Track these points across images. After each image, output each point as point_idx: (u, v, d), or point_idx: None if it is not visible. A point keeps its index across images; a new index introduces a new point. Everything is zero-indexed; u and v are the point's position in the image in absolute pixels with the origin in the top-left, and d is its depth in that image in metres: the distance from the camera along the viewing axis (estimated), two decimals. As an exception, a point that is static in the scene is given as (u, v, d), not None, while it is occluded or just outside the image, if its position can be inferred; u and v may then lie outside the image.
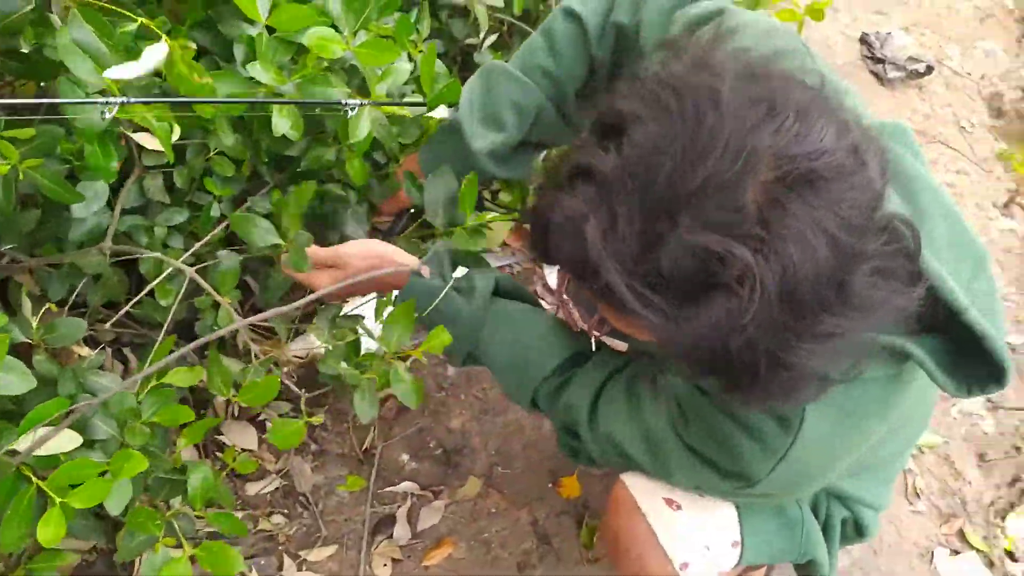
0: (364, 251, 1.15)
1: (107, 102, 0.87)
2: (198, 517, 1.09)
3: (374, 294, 1.26)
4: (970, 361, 0.81)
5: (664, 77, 0.71)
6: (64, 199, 0.97)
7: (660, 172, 0.65)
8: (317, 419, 1.17)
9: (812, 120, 0.67)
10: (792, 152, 0.65)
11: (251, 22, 1.08)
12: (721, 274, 0.65)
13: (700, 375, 0.81)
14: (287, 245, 1.16)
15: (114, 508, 0.93)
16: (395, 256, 1.14)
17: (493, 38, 1.62)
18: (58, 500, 0.84)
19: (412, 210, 1.32)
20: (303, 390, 1.12)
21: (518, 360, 1.14)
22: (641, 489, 1.10)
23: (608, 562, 1.46)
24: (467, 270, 1.20)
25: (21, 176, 0.93)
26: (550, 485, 1.54)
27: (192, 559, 1.00)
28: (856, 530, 1.20)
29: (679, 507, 1.08)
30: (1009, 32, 3.78)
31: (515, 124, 1.21)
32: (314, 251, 1.15)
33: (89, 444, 1.00)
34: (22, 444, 0.87)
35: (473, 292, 1.13)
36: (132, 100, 0.88)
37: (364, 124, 1.11)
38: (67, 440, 0.91)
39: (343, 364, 1.12)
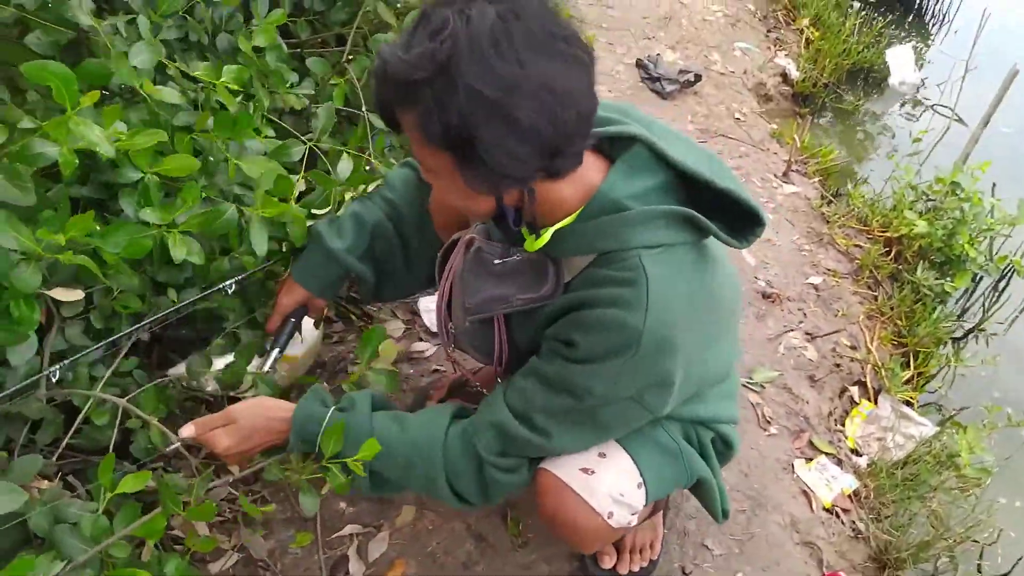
0: (250, 405, 1.32)
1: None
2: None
3: (275, 351, 1.50)
4: (733, 219, 1.17)
5: None
6: (13, 343, 1.14)
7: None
8: (269, 507, 1.48)
9: None
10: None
11: (136, 171, 1.28)
12: (435, 28, 0.97)
13: (443, 143, 1.03)
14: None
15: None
16: (277, 405, 1.32)
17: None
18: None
19: (292, 320, 1.54)
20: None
21: (417, 439, 1.30)
22: (560, 467, 1.33)
23: (535, 544, 1.71)
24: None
25: None
26: (472, 495, 1.78)
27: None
28: (725, 444, 1.48)
29: (592, 472, 1.32)
30: (757, 31, 4.37)
31: (354, 231, 1.51)
32: (208, 419, 1.30)
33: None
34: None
35: (355, 405, 1.32)
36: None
37: (261, 237, 1.34)
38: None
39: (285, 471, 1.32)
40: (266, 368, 1.47)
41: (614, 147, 1.20)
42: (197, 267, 1.43)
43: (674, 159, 1.16)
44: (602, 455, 1.34)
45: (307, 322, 1.58)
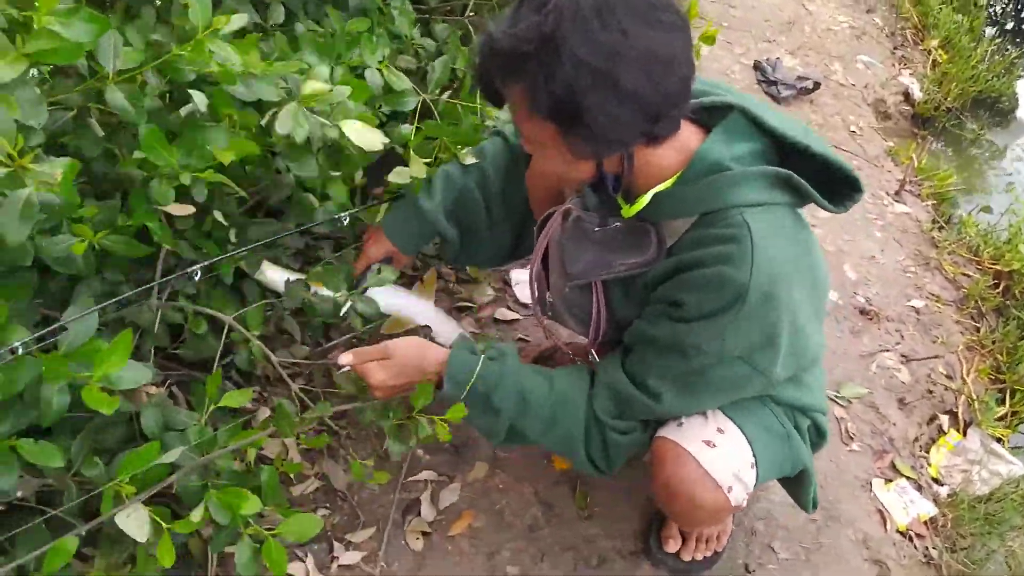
0: (407, 343, 1.36)
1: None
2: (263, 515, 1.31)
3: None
4: (829, 188, 1.20)
5: None
6: (134, 254, 1.22)
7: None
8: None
9: None
10: None
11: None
12: (533, 1, 1.01)
13: (550, 114, 1.07)
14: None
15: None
16: (433, 348, 1.36)
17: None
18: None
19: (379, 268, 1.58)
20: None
21: (564, 396, 1.34)
22: (682, 436, 1.34)
23: (600, 518, 1.73)
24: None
25: (96, 247, 1.17)
26: (544, 462, 1.81)
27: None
28: (818, 434, 1.48)
29: (715, 445, 1.33)
30: (883, 46, 4.23)
31: (443, 192, 1.55)
32: (365, 350, 1.34)
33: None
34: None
35: (504, 355, 1.36)
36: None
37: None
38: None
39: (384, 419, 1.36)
40: (342, 313, 1.49)
41: (711, 116, 1.22)
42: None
43: (771, 125, 1.19)
44: (720, 431, 1.35)
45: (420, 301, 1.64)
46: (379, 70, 1.56)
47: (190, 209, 1.29)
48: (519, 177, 1.57)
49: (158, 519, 1.09)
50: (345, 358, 1.33)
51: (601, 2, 1.00)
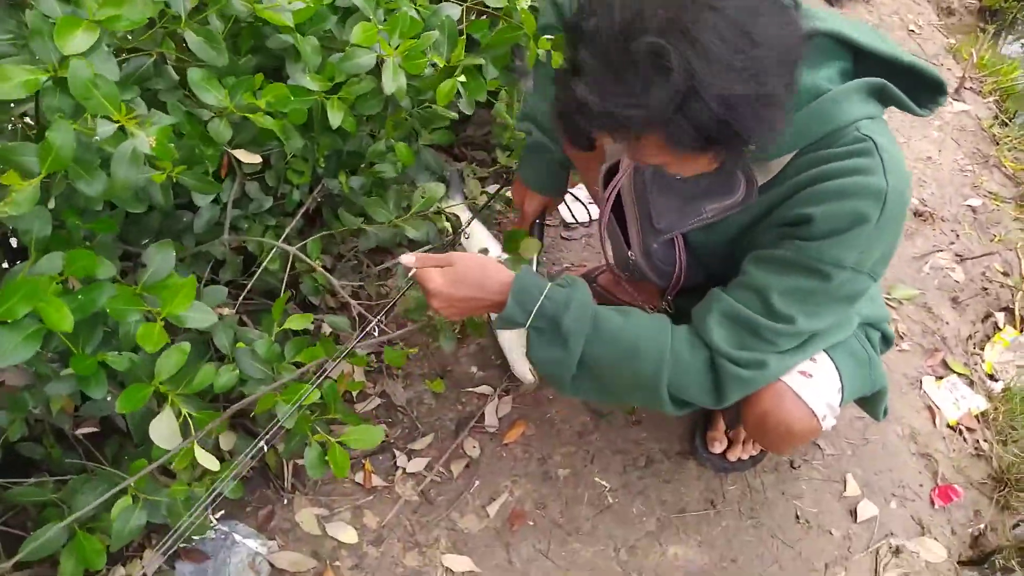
0: (472, 256, 1.29)
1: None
2: (331, 421, 1.45)
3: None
4: (914, 90, 1.17)
5: None
6: (208, 190, 1.33)
7: (605, 32, 0.95)
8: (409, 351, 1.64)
9: None
10: None
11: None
12: (662, 62, 0.92)
13: (701, 147, 1.01)
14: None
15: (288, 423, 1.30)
16: (498, 268, 1.27)
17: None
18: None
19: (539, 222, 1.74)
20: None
21: (645, 327, 1.25)
22: None
23: (648, 423, 1.81)
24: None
25: (175, 179, 1.29)
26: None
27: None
28: (884, 342, 1.50)
29: (811, 375, 1.33)
30: (948, -63, 4.00)
31: (554, 138, 1.59)
32: (429, 256, 1.27)
33: (243, 382, 1.36)
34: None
35: (575, 284, 1.27)
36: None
37: (391, 80, 1.38)
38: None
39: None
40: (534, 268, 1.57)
41: None
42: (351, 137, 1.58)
43: (856, 40, 1.15)
44: (814, 359, 1.34)
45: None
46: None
47: (256, 158, 1.40)
48: None
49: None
50: (408, 258, 1.27)
51: (720, 27, 0.92)
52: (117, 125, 1.04)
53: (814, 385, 1.34)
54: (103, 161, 1.08)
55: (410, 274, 1.28)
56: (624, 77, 0.95)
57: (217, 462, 1.20)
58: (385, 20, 1.40)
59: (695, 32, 0.92)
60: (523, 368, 1.69)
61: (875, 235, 1.13)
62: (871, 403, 1.54)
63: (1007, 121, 2.93)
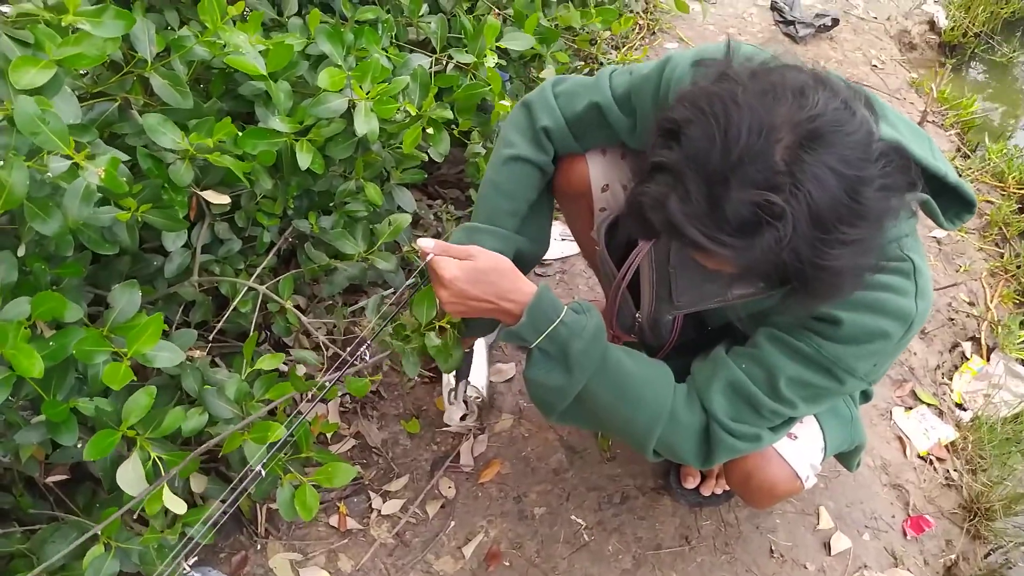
0: (497, 257, 1.20)
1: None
2: (306, 462, 1.44)
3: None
4: (948, 205, 1.17)
5: (698, 90, 0.98)
6: (175, 228, 1.33)
7: (710, 155, 0.91)
8: (374, 378, 1.58)
9: (808, 93, 0.93)
10: (798, 119, 0.90)
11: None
12: (765, 215, 0.91)
13: (771, 286, 1.04)
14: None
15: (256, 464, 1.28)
16: (521, 278, 1.20)
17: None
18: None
19: None
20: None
21: (651, 373, 1.24)
22: None
23: (622, 458, 1.82)
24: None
25: (139, 219, 1.28)
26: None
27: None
28: (864, 396, 1.52)
29: (796, 437, 1.37)
30: (905, -25, 4.10)
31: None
32: (450, 246, 1.20)
33: (213, 423, 1.35)
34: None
35: (590, 312, 1.22)
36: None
37: (363, 123, 1.42)
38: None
39: (391, 339, 1.44)
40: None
41: None
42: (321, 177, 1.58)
43: (913, 153, 1.09)
44: (800, 421, 1.35)
45: None
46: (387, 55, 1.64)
47: (225, 199, 1.40)
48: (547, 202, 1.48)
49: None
50: (426, 242, 1.19)
51: (830, 185, 0.91)
52: (70, 162, 1.05)
53: (799, 447, 1.36)
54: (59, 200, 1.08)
55: (427, 259, 1.19)
56: (723, 215, 0.92)
57: (184, 505, 1.19)
58: (356, 66, 1.42)
59: (807, 186, 0.90)
60: (456, 413, 1.68)
61: (891, 352, 1.16)
62: (847, 457, 1.56)
63: (968, 153, 3.00)
